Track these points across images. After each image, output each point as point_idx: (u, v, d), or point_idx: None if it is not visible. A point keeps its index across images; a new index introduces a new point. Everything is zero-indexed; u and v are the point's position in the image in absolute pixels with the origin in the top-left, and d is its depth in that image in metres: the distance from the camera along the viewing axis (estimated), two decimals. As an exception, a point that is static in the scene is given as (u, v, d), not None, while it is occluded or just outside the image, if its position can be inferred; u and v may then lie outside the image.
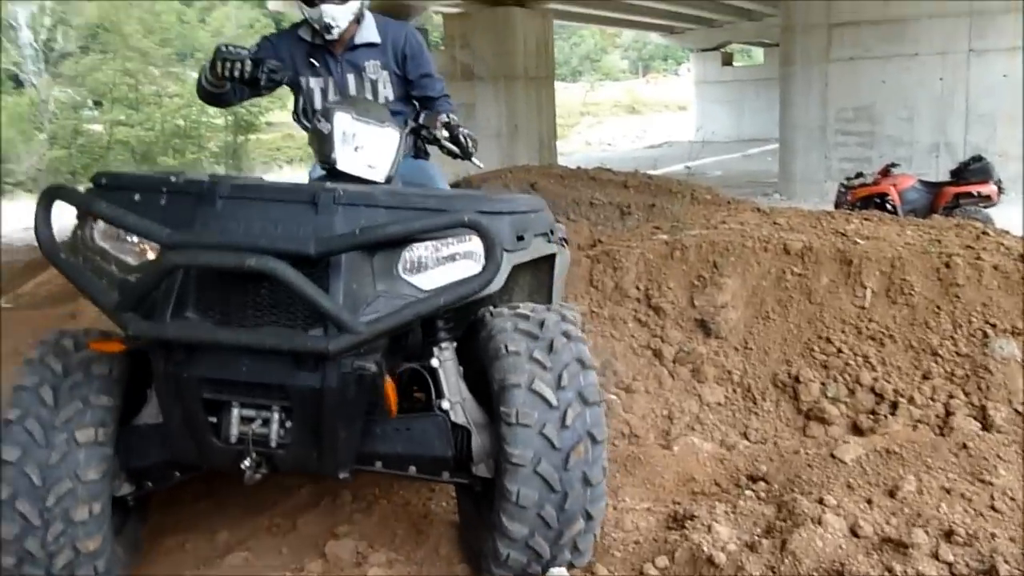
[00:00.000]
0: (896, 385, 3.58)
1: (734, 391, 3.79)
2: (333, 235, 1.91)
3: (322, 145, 2.38)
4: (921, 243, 4.28)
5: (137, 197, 2.03)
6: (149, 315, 1.94)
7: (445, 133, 2.77)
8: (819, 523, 1.94)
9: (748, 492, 2.20)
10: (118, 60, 29.88)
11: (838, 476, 2.12)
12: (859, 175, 9.27)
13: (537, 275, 2.48)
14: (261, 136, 32.89)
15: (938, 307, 3.81)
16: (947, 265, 3.91)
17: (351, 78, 2.99)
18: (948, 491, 2.03)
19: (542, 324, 2.10)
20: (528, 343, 2.06)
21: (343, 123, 2.35)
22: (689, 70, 35.93)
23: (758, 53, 36.31)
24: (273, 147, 32.72)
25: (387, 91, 3.04)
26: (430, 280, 2.01)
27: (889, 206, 8.48)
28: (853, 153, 12.87)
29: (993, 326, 3.66)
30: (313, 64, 2.98)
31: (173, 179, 2.07)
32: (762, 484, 2.28)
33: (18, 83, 32.07)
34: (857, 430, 3.49)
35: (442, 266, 2.02)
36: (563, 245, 2.72)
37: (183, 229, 1.94)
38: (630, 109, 42.74)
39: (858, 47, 12.67)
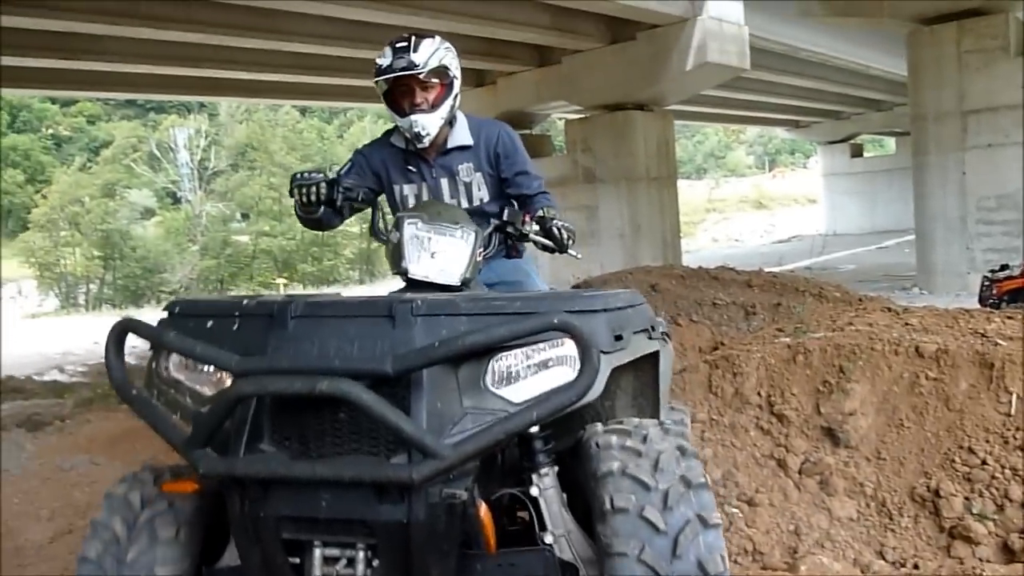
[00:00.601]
0: (1051, 501, 3.27)
1: (867, 505, 3.56)
2: (411, 350, 1.77)
3: (394, 255, 2.34)
4: (1072, 343, 3.97)
5: (210, 324, 1.96)
6: (223, 450, 1.82)
7: (535, 227, 2.67)
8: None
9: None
10: (264, 176, 32.29)
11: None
12: (1004, 267, 8.77)
13: (640, 376, 2.28)
14: (394, 242, 34.11)
15: (1094, 414, 3.49)
16: (1102, 368, 3.60)
17: (444, 183, 2.93)
18: None
19: (645, 439, 1.90)
20: (631, 461, 1.85)
21: (412, 230, 2.31)
22: (817, 163, 35.29)
23: (890, 142, 35.36)
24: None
25: (482, 193, 2.96)
26: (522, 392, 1.84)
27: (1040, 299, 7.96)
28: (998, 243, 12.22)
29: None
30: (408, 171, 2.94)
31: (246, 302, 1.97)
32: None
33: (175, 200, 35.04)
34: (1008, 551, 3.19)
35: (535, 375, 1.86)
36: (665, 340, 2.65)
37: (256, 354, 1.84)
38: (757, 204, 42.27)
39: (996, 133, 12.19)
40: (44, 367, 11.60)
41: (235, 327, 1.93)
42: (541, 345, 1.86)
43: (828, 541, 3.44)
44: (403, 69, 2.68)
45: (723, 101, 22.21)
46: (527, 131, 18.00)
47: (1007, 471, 3.43)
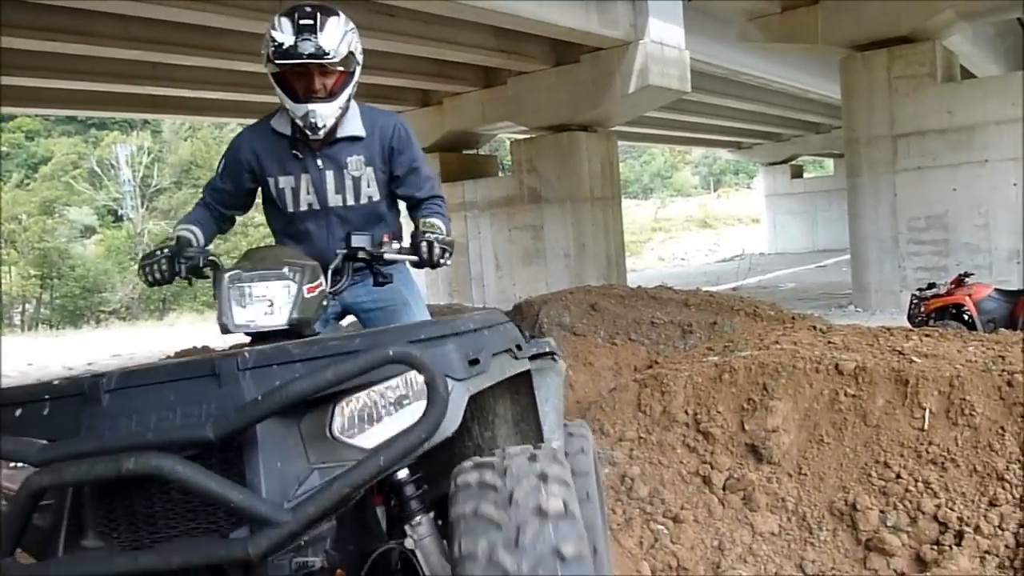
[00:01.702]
0: (961, 513, 3.40)
1: (788, 520, 3.66)
2: (232, 411, 1.58)
3: (219, 311, 2.16)
4: (983, 360, 4.13)
5: (19, 412, 1.72)
6: (45, 551, 1.63)
7: (395, 246, 2.47)
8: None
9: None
10: (209, 194, 31.61)
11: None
12: (931, 285, 9.03)
13: (519, 400, 2.16)
14: (341, 261, 33.90)
15: (1002, 428, 3.64)
16: (1009, 384, 3.76)
17: (330, 175, 2.67)
18: None
19: (505, 471, 1.69)
20: (485, 499, 1.64)
21: (230, 282, 2.12)
22: (760, 183, 36.08)
23: (829, 163, 36.33)
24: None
25: (371, 190, 2.72)
26: (377, 436, 1.65)
27: (966, 316, 8.23)
28: (928, 262, 12.60)
29: (1063, 448, 3.48)
30: (287, 161, 2.67)
31: (56, 383, 1.75)
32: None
33: (117, 217, 34.37)
34: (921, 562, 3.31)
35: (391, 416, 1.67)
36: (554, 359, 2.60)
37: (69, 438, 1.63)
38: (702, 223, 43.00)
39: (925, 156, 12.60)
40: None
41: (45, 412, 1.71)
42: (393, 382, 1.69)
43: (750, 556, 3.53)
44: (311, 56, 2.41)
45: (667, 123, 22.62)
46: (473, 151, 18.11)
47: (920, 484, 3.56)
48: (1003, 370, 3.90)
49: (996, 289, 8.56)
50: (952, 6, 12.15)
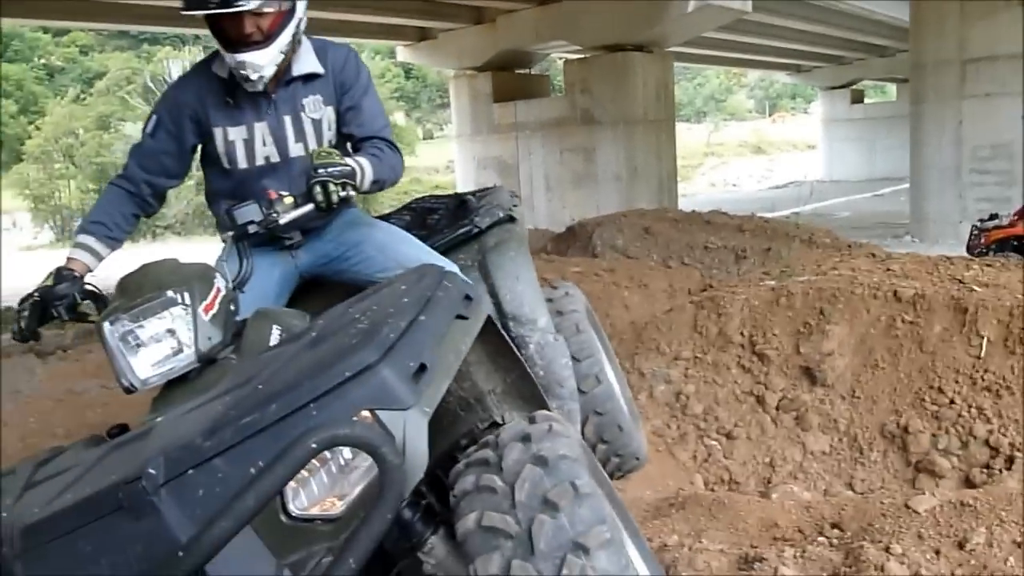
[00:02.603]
0: (1012, 439, 3.45)
1: (840, 440, 3.75)
2: (159, 564, 1.23)
3: (113, 368, 1.77)
4: (1046, 290, 4.11)
5: None
6: None
7: (287, 201, 2.07)
8: (882, 571, 1.94)
9: (821, 539, 2.22)
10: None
11: (910, 526, 2.11)
12: (993, 216, 8.87)
13: (489, 339, 1.83)
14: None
15: (1061, 358, 3.66)
16: (1071, 314, 3.76)
17: (288, 120, 2.32)
18: (1019, 544, 1.99)
19: (501, 464, 1.50)
20: (487, 506, 1.46)
21: (111, 333, 1.73)
22: (818, 108, 35.08)
23: (891, 89, 35.11)
24: (401, 191, 33.96)
25: (331, 133, 2.38)
26: (342, 501, 1.38)
27: (1027, 249, 8.09)
28: (991, 193, 12.29)
29: (1122, 379, 3.49)
30: (236, 108, 2.31)
31: None
32: (837, 531, 2.29)
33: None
34: (970, 484, 3.38)
35: (349, 472, 1.39)
36: (512, 220, 2.52)
37: None
38: (756, 149, 42.12)
39: (995, 82, 12.16)
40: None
41: None
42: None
43: (801, 472, 3.64)
44: (220, 4, 2.08)
45: (724, 43, 22.00)
46: (526, 71, 17.88)
47: (973, 410, 3.60)
48: (1065, 300, 3.88)
49: (1061, 221, 8.38)
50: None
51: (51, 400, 4.11)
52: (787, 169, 34.78)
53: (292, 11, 2.21)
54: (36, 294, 2.09)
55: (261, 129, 2.30)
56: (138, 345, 1.74)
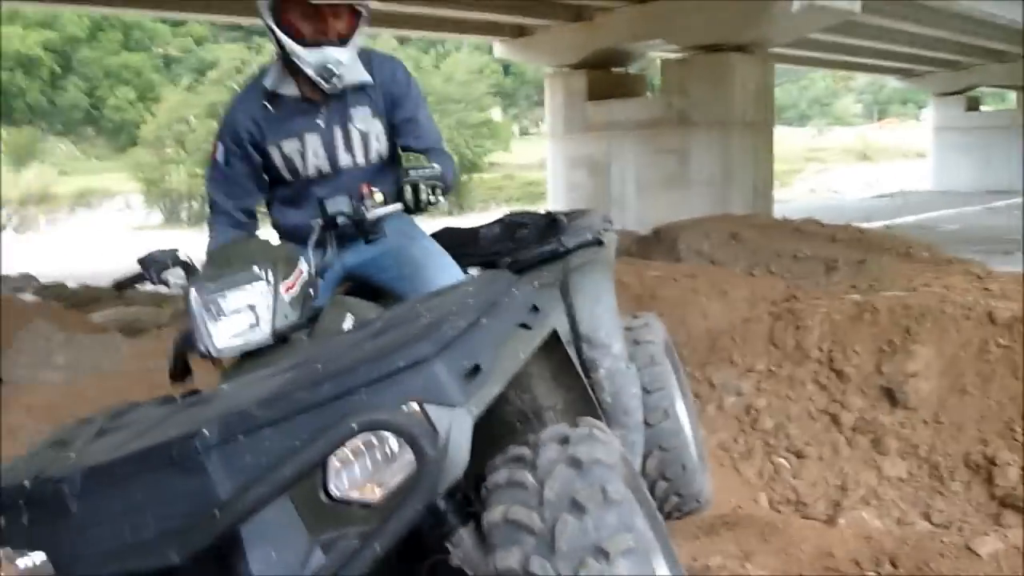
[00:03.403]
0: (1109, 478, 3.20)
1: (919, 467, 3.55)
2: (200, 519, 1.31)
3: (193, 333, 1.86)
4: None
5: (1, 521, 1.46)
6: None
7: (378, 197, 2.12)
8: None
9: (871, 574, 2.09)
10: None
11: (968, 569, 1.96)
12: (1113, 236, 8.29)
13: (552, 356, 1.83)
14: (484, 175, 34.40)
15: None
16: None
17: (338, 131, 2.35)
18: None
19: (536, 463, 1.50)
20: (516, 500, 1.45)
21: (196, 299, 1.83)
22: (929, 115, 33.57)
23: (1011, 96, 33.30)
24: (495, 186, 34.27)
25: (380, 145, 2.41)
26: (380, 487, 1.39)
27: None
28: (1114, 210, 11.51)
29: None
30: (289, 122, 2.34)
31: (27, 484, 1.46)
32: (890, 568, 2.14)
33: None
34: (1060, 524, 3.15)
35: (390, 459, 1.39)
36: (600, 244, 2.51)
37: (50, 550, 1.42)
38: (861, 156, 40.65)
39: (1125, 93, 11.36)
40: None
41: (25, 520, 1.45)
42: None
43: (874, 498, 3.46)
44: None
45: (831, 45, 21.24)
46: (622, 70, 17.68)
47: (1068, 444, 3.36)
48: None
49: None
50: None
51: (126, 378, 4.27)
52: (894, 177, 33.41)
53: (361, 15, 2.26)
54: (136, 276, 2.23)
55: (312, 140, 2.34)
56: (219, 314, 1.82)
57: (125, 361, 4.58)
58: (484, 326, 1.53)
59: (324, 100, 2.32)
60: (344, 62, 2.22)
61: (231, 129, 2.36)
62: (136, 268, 2.23)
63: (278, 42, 2.22)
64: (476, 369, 1.42)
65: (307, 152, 2.34)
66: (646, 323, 3.03)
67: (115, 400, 3.74)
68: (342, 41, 2.21)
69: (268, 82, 2.33)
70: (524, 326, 1.65)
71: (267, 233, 2.42)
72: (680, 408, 2.95)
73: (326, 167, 2.37)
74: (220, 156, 2.38)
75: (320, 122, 2.33)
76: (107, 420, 1.72)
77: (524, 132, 44.40)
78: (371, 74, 2.35)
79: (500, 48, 18.57)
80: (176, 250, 2.22)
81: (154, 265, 2.18)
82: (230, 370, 1.91)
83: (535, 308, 1.71)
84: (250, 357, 1.86)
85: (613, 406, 2.40)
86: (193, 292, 1.83)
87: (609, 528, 1.38)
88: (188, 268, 2.15)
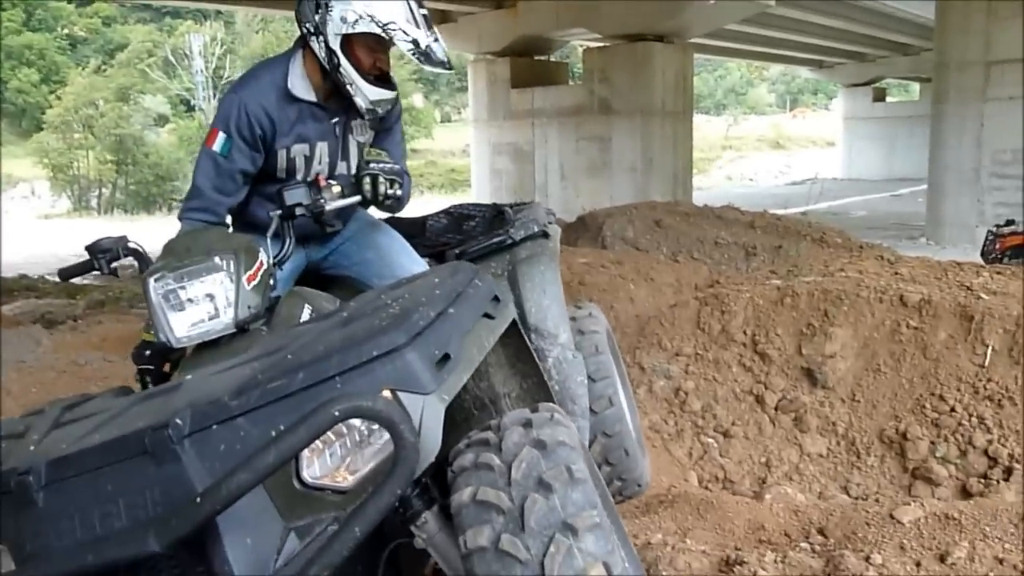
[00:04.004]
0: (1012, 450, 3.42)
1: (838, 443, 3.73)
2: (175, 508, 1.31)
3: (152, 325, 1.85)
4: (1055, 301, 4.07)
5: None
6: None
7: (335, 189, 2.16)
8: (863, 581, 1.94)
9: (805, 544, 2.21)
10: (280, 87, 32.03)
11: (893, 536, 2.10)
12: (1010, 222, 8.79)
13: (509, 343, 1.86)
14: (407, 162, 33.93)
15: (1066, 370, 3.62)
16: (1078, 326, 3.72)
17: (340, 141, 2.43)
18: (1000, 560, 1.98)
19: (501, 445, 1.54)
20: (483, 481, 1.49)
21: (155, 290, 1.80)
22: (839, 105, 34.78)
23: (915, 88, 34.76)
24: (417, 173, 33.97)
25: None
26: (353, 474, 1.44)
27: (1043, 257, 8.01)
28: (1009, 198, 12.16)
29: None
30: (301, 126, 2.35)
31: None
32: (821, 538, 2.28)
33: (189, 107, 34.95)
34: (966, 493, 3.37)
35: (362, 446, 1.44)
36: (545, 236, 2.61)
37: (12, 541, 1.41)
38: (775, 144, 41.82)
39: (1019, 86, 12.00)
40: (57, 268, 11.81)
41: None
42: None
43: (796, 474, 3.63)
44: (440, 64, 2.23)
45: (747, 36, 21.83)
46: (544, 57, 17.79)
47: (974, 419, 3.58)
48: (1073, 312, 3.84)
49: (1078, 229, 8.30)
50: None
51: (54, 371, 4.14)
52: (806, 165, 34.51)
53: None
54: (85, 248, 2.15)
55: (322, 148, 2.37)
56: (179, 305, 1.81)
57: (48, 355, 4.43)
58: (451, 316, 1.56)
59: (335, 110, 2.35)
60: (390, 101, 2.31)
61: (243, 120, 2.28)
62: (82, 255, 2.18)
63: (333, 63, 2.23)
64: (446, 358, 1.46)
65: (314, 158, 2.37)
66: (589, 313, 3.10)
67: (46, 395, 3.63)
68: (389, 79, 2.30)
69: (292, 85, 2.31)
70: (488, 316, 1.69)
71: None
72: (622, 396, 3.04)
73: (325, 172, 2.39)
74: (219, 146, 2.29)
75: (332, 131, 2.37)
76: (61, 412, 1.69)
77: (446, 119, 44.15)
78: None
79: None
80: (125, 237, 2.18)
81: (104, 254, 2.13)
82: (186, 361, 1.90)
83: (496, 299, 1.75)
84: (208, 347, 1.85)
85: (560, 394, 2.48)
86: (151, 282, 1.81)
87: (575, 505, 1.43)
88: (139, 256, 2.13)
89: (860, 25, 21.78)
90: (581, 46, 19.53)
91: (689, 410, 3.90)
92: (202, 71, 33.30)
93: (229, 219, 2.43)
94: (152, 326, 1.85)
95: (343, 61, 2.22)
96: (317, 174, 2.25)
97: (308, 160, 2.37)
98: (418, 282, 1.78)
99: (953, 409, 3.65)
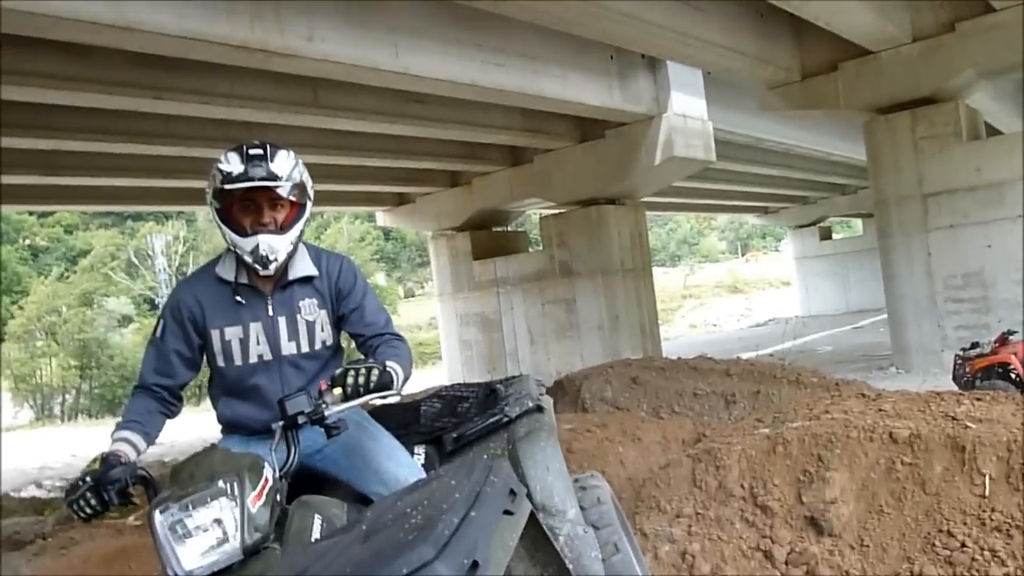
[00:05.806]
0: (1032, 581, 3.34)
1: (855, 593, 3.61)
2: None
3: (160, 557, 1.81)
4: (1040, 422, 4.10)
5: None
6: None
7: (336, 392, 2.14)
8: None
9: None
10: (244, 280, 32.34)
11: None
12: (975, 345, 8.95)
13: (528, 532, 1.87)
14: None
15: (1066, 492, 3.60)
16: (1069, 446, 3.73)
17: (283, 322, 2.43)
18: None
19: None
20: None
21: (161, 521, 1.78)
22: (788, 246, 36.06)
23: (857, 224, 36.28)
24: (386, 350, 33.92)
25: (325, 334, 2.51)
26: None
27: (1013, 375, 8.12)
28: (968, 320, 12.47)
29: None
30: (233, 309, 2.41)
31: None
32: None
33: (153, 306, 35.14)
34: (995, 633, 3.25)
35: None
36: (540, 410, 2.61)
37: None
38: (732, 288, 42.94)
39: (956, 214, 12.59)
40: (21, 483, 11.40)
41: None
42: None
43: (818, 631, 3.47)
44: (262, 179, 2.26)
45: (693, 191, 22.84)
46: (503, 228, 18.37)
47: (986, 552, 3.51)
48: (1061, 432, 3.87)
49: (1041, 346, 8.46)
50: (971, 66, 12.27)
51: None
52: (765, 306, 35.31)
53: (304, 208, 2.41)
54: (88, 478, 2.10)
55: (256, 328, 2.42)
56: (186, 535, 1.78)
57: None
58: (475, 520, 1.56)
59: (271, 290, 2.44)
60: (277, 247, 2.33)
61: (174, 306, 2.46)
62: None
63: (221, 230, 2.36)
64: (475, 565, 1.46)
65: (248, 340, 2.42)
66: (596, 484, 3.05)
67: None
68: (281, 229, 2.35)
69: (219, 269, 2.45)
70: (508, 512, 1.70)
71: (208, 421, 2.37)
72: (636, 567, 2.94)
73: (268, 355, 2.44)
74: (159, 331, 2.46)
75: (265, 311, 2.43)
76: None
77: (410, 294, 44.84)
78: (319, 269, 2.50)
79: (383, 216, 19.05)
80: (134, 464, 2.16)
81: (113, 486, 2.09)
82: None
83: (513, 492, 1.76)
84: (222, 574, 1.78)
85: (575, 571, 2.40)
86: (157, 515, 1.78)
87: None
88: (147, 483, 2.10)
89: (798, 171, 22.97)
90: (537, 214, 20.23)
91: (698, 574, 3.77)
92: (165, 268, 33.75)
93: (181, 406, 2.51)
94: (160, 560, 1.79)
95: (218, 222, 2.35)
96: (259, 386, 2.34)
97: (244, 343, 2.42)
98: (435, 485, 1.78)
99: (964, 544, 3.57)
